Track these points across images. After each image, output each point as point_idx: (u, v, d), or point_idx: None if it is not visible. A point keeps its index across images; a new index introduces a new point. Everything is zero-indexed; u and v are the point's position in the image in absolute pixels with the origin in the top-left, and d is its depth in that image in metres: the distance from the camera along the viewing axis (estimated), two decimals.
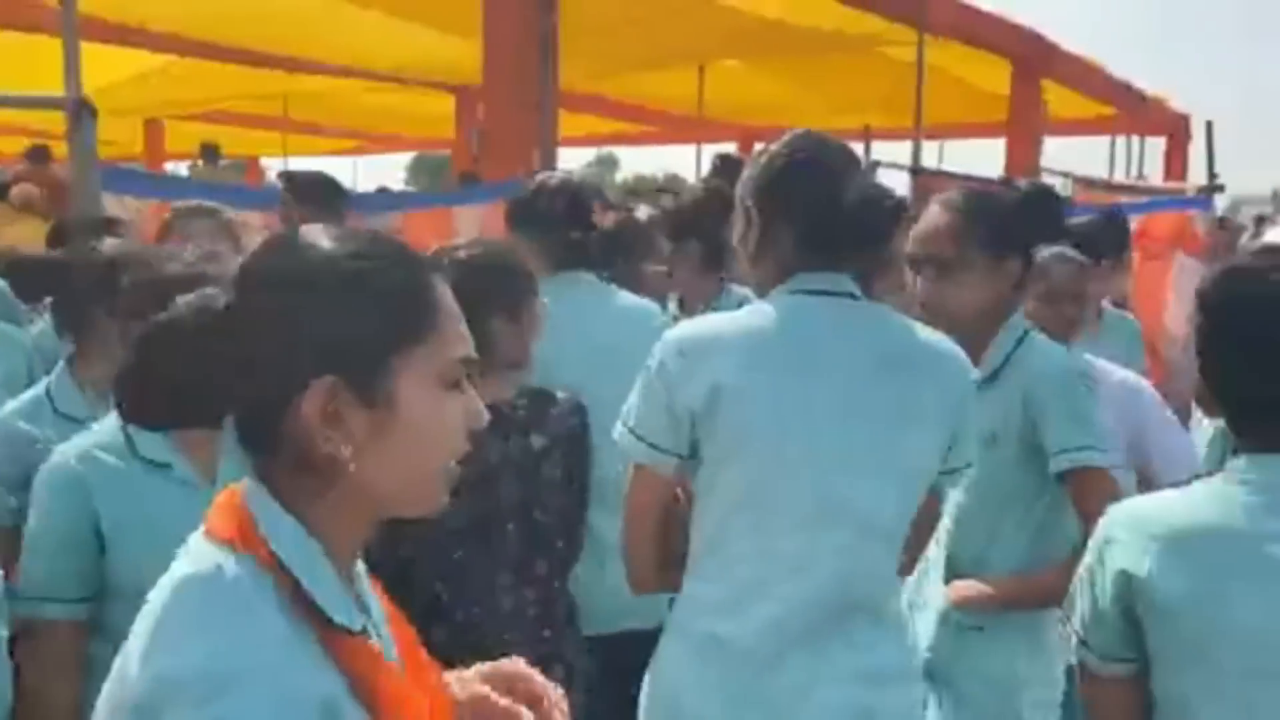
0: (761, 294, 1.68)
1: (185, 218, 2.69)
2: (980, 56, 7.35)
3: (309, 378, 0.86)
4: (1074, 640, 1.45)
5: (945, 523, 1.94)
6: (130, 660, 0.84)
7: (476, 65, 4.85)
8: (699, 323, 1.74)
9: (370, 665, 0.89)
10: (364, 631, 0.91)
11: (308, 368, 0.86)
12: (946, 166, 8.50)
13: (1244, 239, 10.44)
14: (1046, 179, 7.98)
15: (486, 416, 0.96)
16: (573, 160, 36.65)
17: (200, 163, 9.82)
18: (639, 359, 1.65)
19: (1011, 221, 1.99)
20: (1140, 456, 2.36)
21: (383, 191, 7.84)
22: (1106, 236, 3.40)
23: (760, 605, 1.57)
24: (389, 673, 0.91)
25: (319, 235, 0.91)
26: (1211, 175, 7.05)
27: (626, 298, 2.47)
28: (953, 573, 1.95)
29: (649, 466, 1.64)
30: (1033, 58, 7.50)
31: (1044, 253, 2.40)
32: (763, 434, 1.56)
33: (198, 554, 0.89)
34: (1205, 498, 1.34)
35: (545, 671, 1.01)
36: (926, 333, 1.69)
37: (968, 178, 6.61)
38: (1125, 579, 1.34)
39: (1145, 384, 2.52)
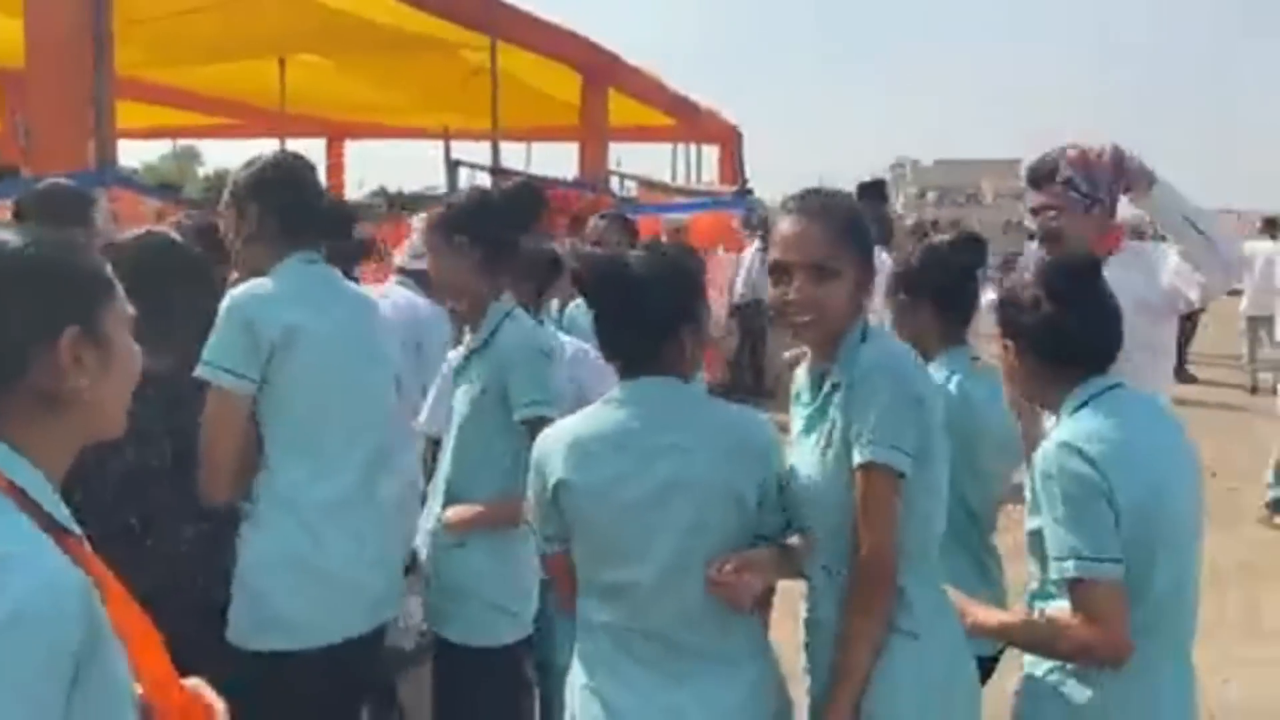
0: (260, 267, 2.32)
1: None
2: (553, 66, 7.87)
3: (59, 330, 1.12)
4: (535, 536, 1.95)
5: (447, 460, 2.46)
6: None
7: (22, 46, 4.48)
8: (262, 284, 2.31)
9: (100, 568, 1.12)
10: (76, 533, 1.13)
11: (55, 324, 1.13)
12: (531, 168, 9.02)
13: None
14: (615, 181, 8.75)
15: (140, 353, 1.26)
16: (146, 153, 33.71)
17: None
18: None
19: (479, 214, 2.44)
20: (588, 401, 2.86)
21: None
22: (612, 233, 4.22)
23: (342, 473, 2.30)
24: (98, 564, 1.14)
25: (8, 235, 1.16)
26: (743, 180, 8.10)
27: None
28: (450, 499, 2.40)
29: (229, 389, 2.18)
30: (599, 69, 8.13)
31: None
32: (324, 356, 2.26)
33: None
34: (593, 414, 1.87)
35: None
36: (365, 288, 2.58)
37: (545, 179, 7.09)
38: (553, 481, 1.83)
39: (592, 351, 2.83)
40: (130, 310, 1.23)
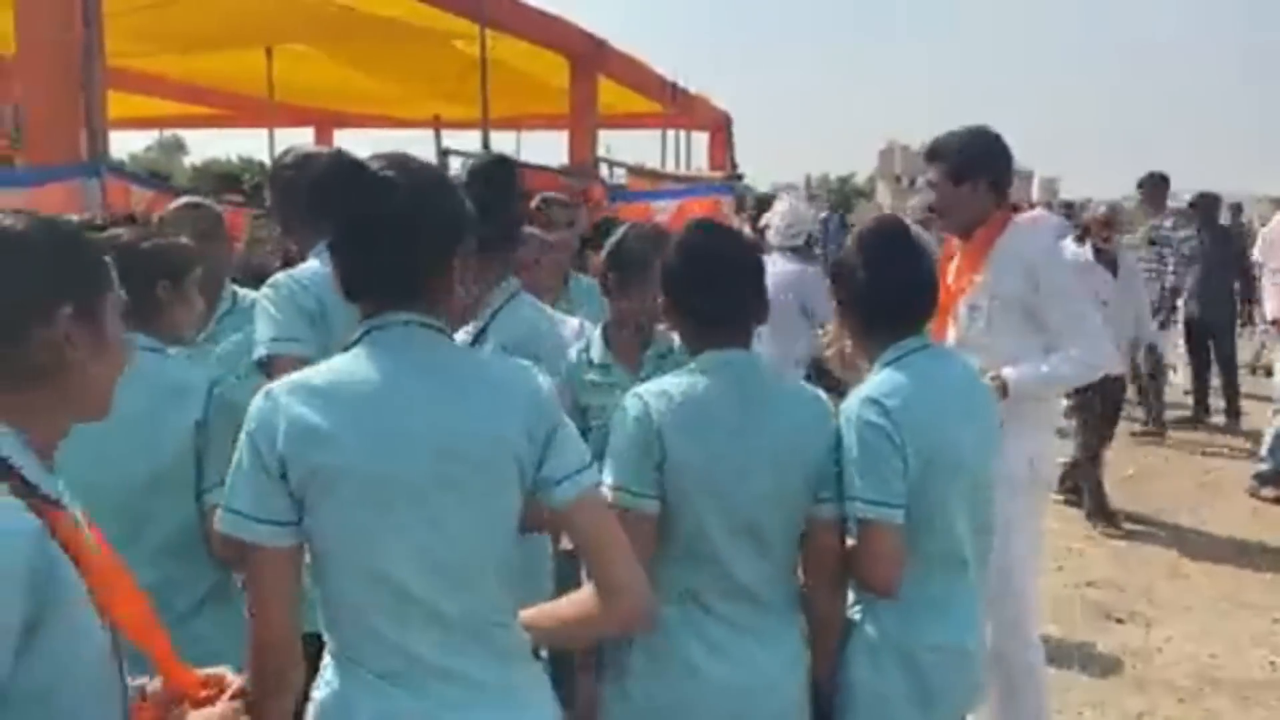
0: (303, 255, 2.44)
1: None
2: (542, 53, 7.85)
3: (56, 307, 1.21)
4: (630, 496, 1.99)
5: None
6: None
7: (10, 34, 4.47)
8: (295, 269, 2.38)
9: (71, 530, 1.19)
10: (60, 504, 1.21)
11: (53, 301, 1.21)
12: (521, 156, 8.99)
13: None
14: (604, 168, 8.75)
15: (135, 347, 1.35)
16: (133, 144, 33.51)
17: None
18: None
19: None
20: None
21: None
22: (558, 214, 4.49)
23: None
24: (82, 539, 1.21)
25: (19, 217, 1.25)
26: (733, 165, 8.12)
27: None
28: None
29: (298, 355, 2.17)
30: (588, 56, 8.11)
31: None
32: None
33: None
34: (686, 383, 1.98)
35: None
36: None
37: (539, 167, 7.10)
38: (658, 448, 1.95)
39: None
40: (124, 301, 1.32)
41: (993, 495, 2.29)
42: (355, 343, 1.52)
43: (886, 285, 2.18)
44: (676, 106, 10.46)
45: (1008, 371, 3.00)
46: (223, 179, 7.86)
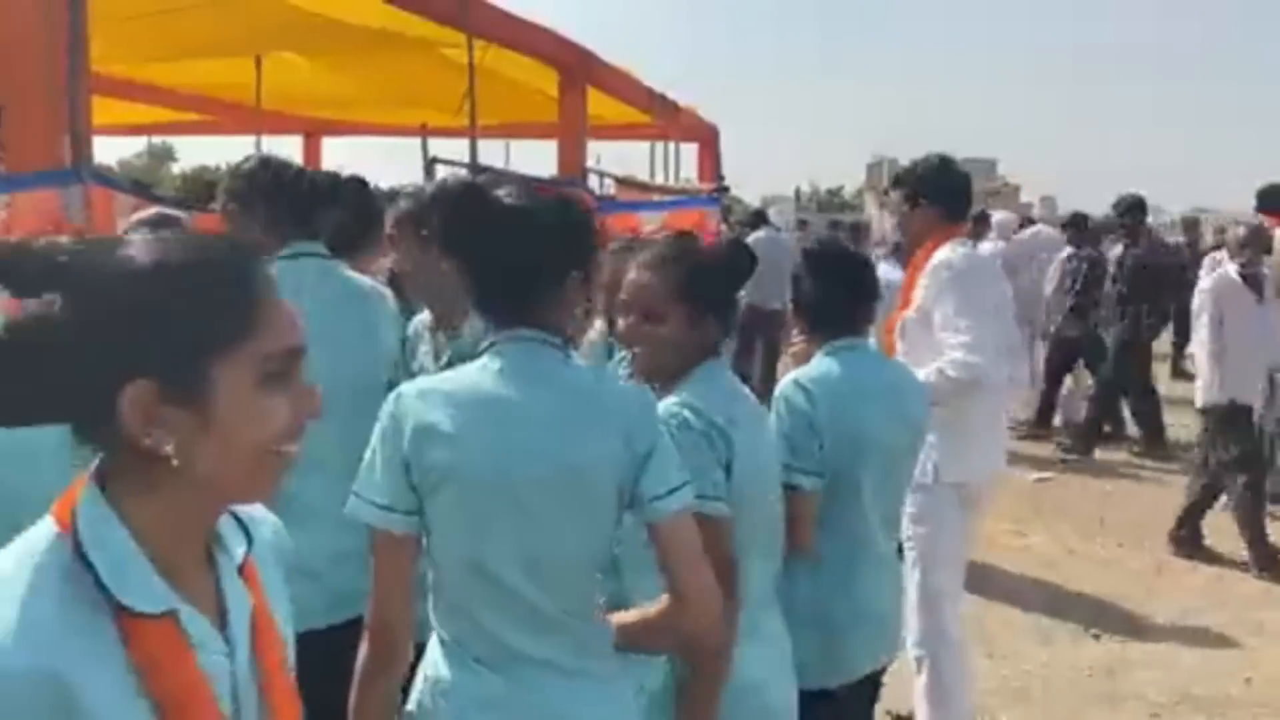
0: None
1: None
2: (532, 63, 7.86)
3: (125, 381, 0.90)
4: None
5: None
6: None
7: None
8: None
9: (161, 648, 0.93)
10: (170, 615, 0.94)
11: (124, 371, 0.91)
12: (510, 166, 9.01)
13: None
14: (591, 178, 8.77)
15: (317, 404, 1.02)
16: (121, 150, 33.47)
17: None
18: None
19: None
20: None
21: None
22: None
23: (311, 472, 2.40)
24: (180, 658, 0.94)
25: (140, 240, 0.95)
26: (719, 178, 8.15)
27: None
28: None
29: None
30: (576, 67, 8.13)
31: None
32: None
33: (31, 531, 0.96)
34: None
35: None
36: (356, 276, 2.59)
37: (524, 178, 7.11)
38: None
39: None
40: (288, 344, 0.98)
41: (905, 476, 2.63)
42: (481, 353, 1.67)
43: (826, 292, 2.55)
44: (665, 118, 10.47)
45: None
46: (211, 186, 7.82)
